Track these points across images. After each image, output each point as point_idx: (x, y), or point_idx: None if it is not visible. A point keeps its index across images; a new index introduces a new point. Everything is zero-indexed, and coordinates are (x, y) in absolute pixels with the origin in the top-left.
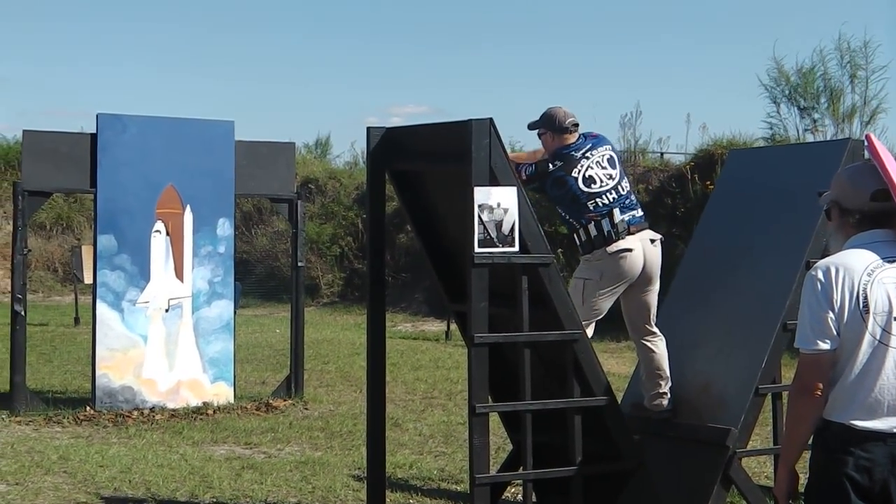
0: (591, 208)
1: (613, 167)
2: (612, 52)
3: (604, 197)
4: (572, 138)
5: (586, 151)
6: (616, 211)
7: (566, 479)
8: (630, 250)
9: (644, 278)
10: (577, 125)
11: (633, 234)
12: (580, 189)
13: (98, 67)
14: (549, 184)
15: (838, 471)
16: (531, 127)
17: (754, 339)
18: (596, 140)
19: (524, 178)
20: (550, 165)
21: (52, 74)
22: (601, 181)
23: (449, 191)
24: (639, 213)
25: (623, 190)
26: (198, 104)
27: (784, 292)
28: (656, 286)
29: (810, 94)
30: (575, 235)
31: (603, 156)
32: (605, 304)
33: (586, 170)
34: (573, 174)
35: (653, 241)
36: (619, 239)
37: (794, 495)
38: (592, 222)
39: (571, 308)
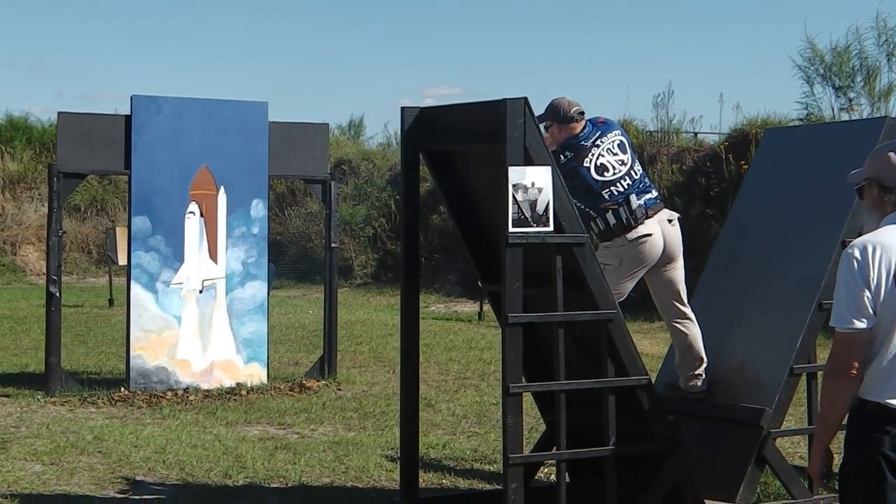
0: (607, 197)
1: (624, 152)
2: (644, 32)
3: (618, 184)
4: (579, 127)
5: (596, 139)
6: (633, 197)
7: (600, 460)
8: (650, 235)
9: (665, 258)
10: (582, 114)
11: (650, 217)
12: (593, 179)
13: (134, 51)
14: (566, 173)
15: (874, 449)
16: (538, 119)
17: (789, 318)
18: (604, 126)
19: None
20: (561, 157)
21: (89, 58)
22: (614, 168)
23: (483, 171)
24: (654, 194)
25: (636, 174)
26: (232, 86)
27: (820, 272)
28: (680, 263)
29: (845, 73)
30: (592, 224)
31: (613, 142)
32: (626, 287)
33: (597, 158)
34: (585, 164)
35: (671, 220)
36: (637, 225)
37: (828, 474)
38: (609, 210)
39: (606, 288)
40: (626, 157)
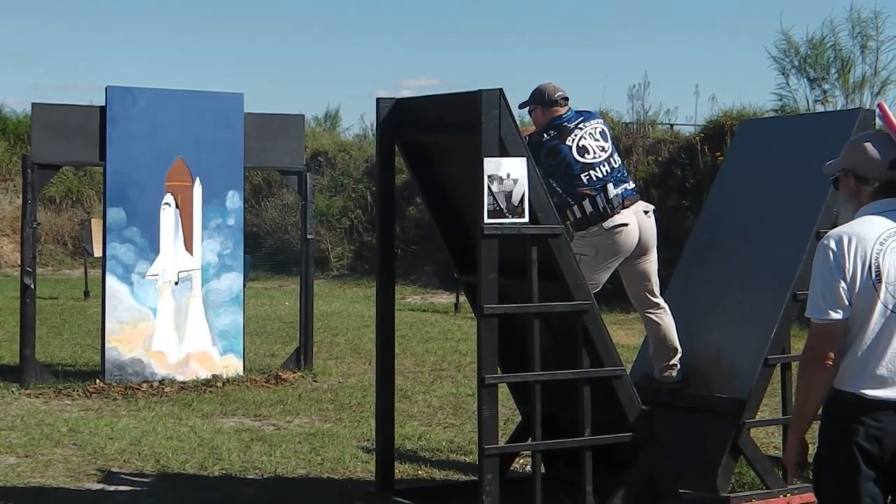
0: (585, 181)
1: (605, 140)
2: (620, 24)
3: (597, 169)
4: (562, 111)
5: (579, 123)
6: (610, 186)
7: (575, 451)
8: (626, 225)
9: (640, 249)
10: (566, 99)
11: (627, 207)
12: (574, 158)
13: (110, 42)
14: (543, 154)
15: (849, 440)
16: (521, 106)
17: (764, 309)
18: (588, 114)
19: None
20: (545, 135)
21: (65, 49)
22: (594, 152)
23: (459, 162)
24: (631, 185)
25: (615, 163)
26: (208, 77)
27: (794, 262)
28: (653, 255)
29: (820, 65)
30: (568, 212)
31: (595, 128)
32: (601, 278)
33: (580, 139)
34: (567, 142)
35: (646, 212)
36: (614, 214)
37: (803, 464)
38: (587, 198)
39: (581, 279)
40: (607, 146)
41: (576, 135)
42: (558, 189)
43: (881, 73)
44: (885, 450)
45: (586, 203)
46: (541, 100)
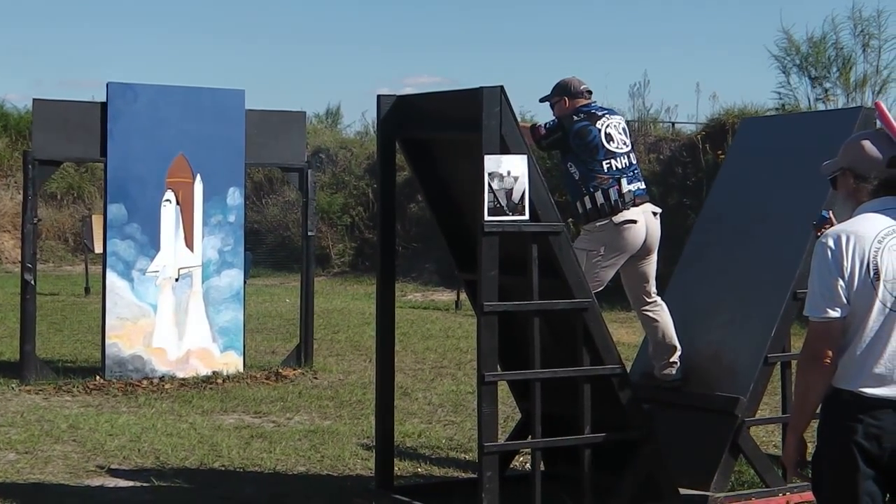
0: (605, 168)
1: (626, 136)
2: (621, 22)
3: (619, 160)
4: (588, 102)
5: (605, 113)
6: (624, 181)
7: (575, 448)
8: (635, 222)
9: (644, 250)
10: (590, 92)
11: (637, 205)
12: (602, 142)
13: (113, 37)
14: (572, 135)
15: (847, 438)
16: (543, 99)
17: (764, 307)
18: (610, 110)
19: (543, 131)
20: (574, 117)
21: (68, 45)
22: (618, 143)
23: (459, 159)
24: (643, 186)
25: (633, 160)
26: (210, 73)
27: (794, 261)
28: (654, 256)
29: (821, 63)
30: (578, 203)
31: (619, 123)
32: (606, 275)
33: (607, 127)
34: (597, 125)
35: (655, 213)
36: (625, 209)
37: (802, 463)
38: (600, 190)
39: (581, 277)
40: (628, 142)
41: (604, 122)
42: (575, 176)
43: (882, 72)
44: (884, 448)
45: (598, 195)
46: (566, 91)
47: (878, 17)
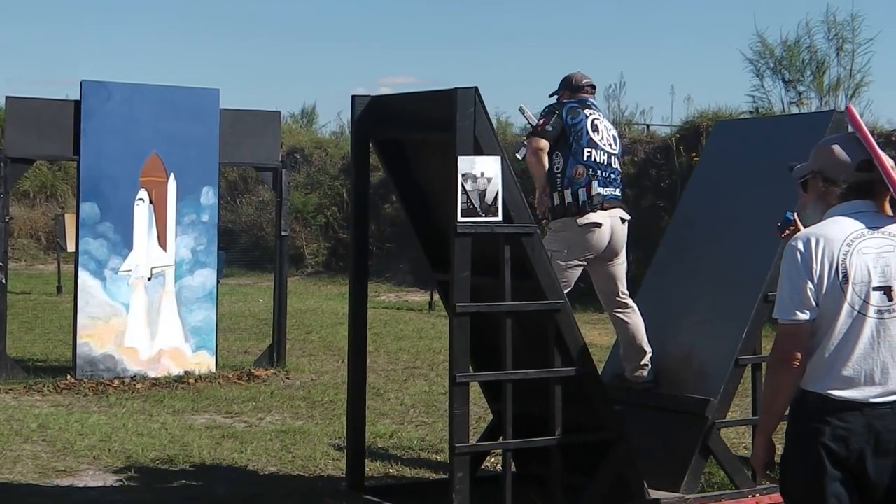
0: (585, 157)
1: (615, 142)
2: (596, 24)
3: (600, 153)
4: (588, 97)
5: (597, 110)
6: (596, 182)
7: (546, 449)
8: (599, 225)
9: (610, 252)
10: (593, 87)
11: (605, 209)
12: (587, 128)
13: (87, 35)
14: (565, 110)
15: (815, 440)
16: (552, 94)
17: (736, 310)
18: (606, 116)
19: (541, 119)
20: (567, 102)
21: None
22: (603, 137)
23: (433, 160)
24: (617, 192)
25: (614, 164)
26: (185, 72)
27: (766, 263)
28: (622, 258)
29: (795, 66)
30: (555, 195)
31: (609, 126)
32: (571, 275)
33: (595, 119)
34: (586, 111)
35: (623, 220)
36: (591, 211)
37: (771, 464)
38: (570, 188)
39: (554, 278)
40: (616, 147)
41: (593, 113)
42: (556, 168)
43: (856, 76)
44: (852, 450)
45: (568, 193)
46: (569, 85)
47: (852, 21)
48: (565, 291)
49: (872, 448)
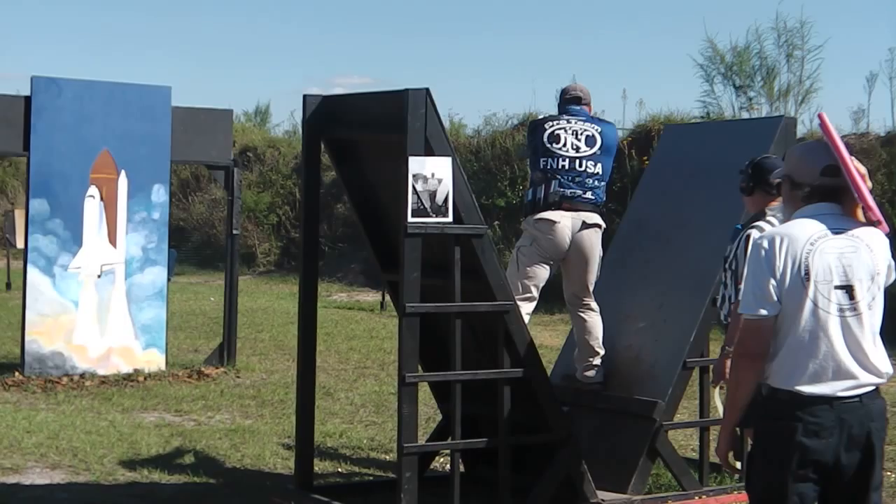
0: (541, 166)
1: (588, 145)
2: (549, 28)
3: (557, 161)
4: (570, 106)
5: (569, 117)
6: (555, 183)
7: (495, 450)
8: (554, 222)
9: (576, 256)
10: (577, 98)
11: (563, 210)
12: (543, 141)
13: (37, 30)
14: (529, 130)
15: (789, 437)
16: None
17: (684, 312)
18: (589, 118)
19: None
20: (539, 119)
21: None
22: (565, 144)
23: (384, 160)
24: (586, 195)
25: (581, 167)
26: (137, 69)
27: (714, 267)
28: (593, 267)
29: (745, 72)
30: (531, 192)
31: (584, 131)
32: (540, 272)
33: (558, 129)
34: (546, 126)
35: (587, 224)
36: (546, 209)
37: (737, 455)
38: (531, 189)
39: (503, 279)
40: (586, 150)
41: (558, 124)
42: (530, 170)
43: (805, 82)
44: (826, 444)
45: (529, 192)
46: (559, 99)
47: (801, 27)
48: (541, 287)
49: (846, 441)
